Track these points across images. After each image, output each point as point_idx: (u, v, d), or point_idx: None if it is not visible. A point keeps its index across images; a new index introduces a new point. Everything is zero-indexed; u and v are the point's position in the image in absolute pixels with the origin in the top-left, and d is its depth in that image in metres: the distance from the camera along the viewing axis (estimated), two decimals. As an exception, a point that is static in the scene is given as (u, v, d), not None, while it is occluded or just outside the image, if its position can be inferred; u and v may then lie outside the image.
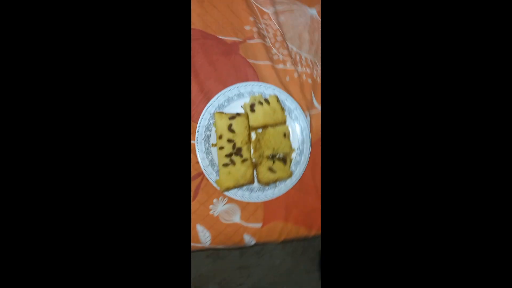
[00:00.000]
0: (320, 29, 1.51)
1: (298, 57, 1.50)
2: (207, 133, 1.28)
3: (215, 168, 1.26)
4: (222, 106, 1.31)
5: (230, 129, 1.25)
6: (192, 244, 1.26)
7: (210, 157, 1.27)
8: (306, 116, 1.44)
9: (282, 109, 1.35)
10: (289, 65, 1.46)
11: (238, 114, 1.27)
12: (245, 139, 1.26)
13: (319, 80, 1.52)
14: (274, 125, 1.33)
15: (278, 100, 1.34)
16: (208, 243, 1.27)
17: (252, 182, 1.25)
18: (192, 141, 1.27)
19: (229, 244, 1.32)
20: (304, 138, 1.40)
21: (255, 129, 1.34)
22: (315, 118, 1.47)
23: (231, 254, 1.40)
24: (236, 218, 1.30)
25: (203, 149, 1.26)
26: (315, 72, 1.53)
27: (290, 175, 1.31)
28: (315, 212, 1.36)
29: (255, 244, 1.36)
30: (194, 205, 1.25)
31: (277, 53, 1.46)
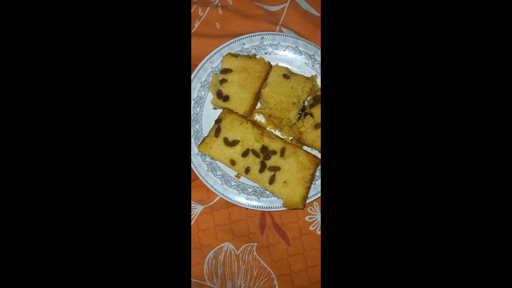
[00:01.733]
0: None
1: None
2: (219, 173, 0.87)
3: (267, 193, 0.85)
4: (194, 133, 0.89)
5: (229, 143, 0.82)
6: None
7: (250, 190, 0.86)
8: (280, 30, 0.96)
9: (250, 56, 0.89)
10: (202, 12, 0.99)
11: (219, 121, 0.84)
12: (255, 133, 0.82)
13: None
14: (263, 81, 0.87)
15: (235, 55, 0.88)
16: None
17: (318, 161, 0.82)
18: (219, 196, 0.88)
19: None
20: (306, 51, 0.92)
21: (253, 110, 0.89)
22: (290, 19, 0.98)
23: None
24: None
25: (236, 191, 0.86)
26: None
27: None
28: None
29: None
30: (296, 246, 0.86)
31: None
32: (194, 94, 0.90)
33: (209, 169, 0.87)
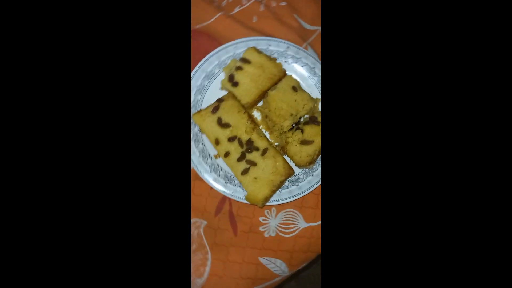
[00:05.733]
0: None
1: (251, -15, 1.07)
2: (201, 146, 0.92)
3: (236, 182, 0.90)
4: (194, 103, 0.93)
5: (222, 124, 0.87)
6: (268, 283, 0.93)
7: (221, 172, 0.91)
8: (306, 48, 1.02)
9: (271, 58, 0.94)
10: (246, 1, 1.04)
11: (220, 100, 0.89)
12: (249, 125, 0.87)
13: (294, -5, 1.08)
14: (273, 84, 0.92)
15: (258, 51, 0.93)
16: (286, 270, 0.93)
17: (291, 172, 0.88)
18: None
19: (312, 257, 0.96)
20: (320, 77, 0.98)
21: (254, 105, 0.95)
22: (318, 42, 1.04)
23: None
24: (300, 223, 0.93)
25: (208, 169, 0.90)
26: (282, -11, 1.09)
27: (332, 131, 0.91)
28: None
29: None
30: (241, 239, 0.91)
31: (222, -5, 1.05)
32: (208, 68, 0.94)
33: (192, 139, 0.91)
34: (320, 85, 0.98)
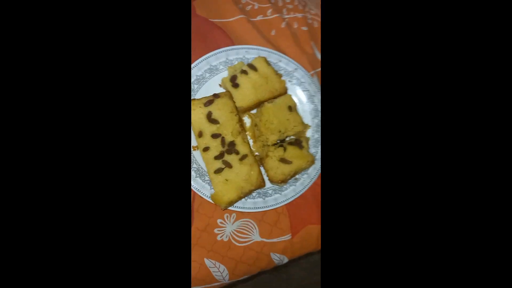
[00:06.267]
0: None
1: (281, 0, 1.10)
2: (184, 133, 0.91)
3: (206, 178, 0.90)
4: (191, 90, 0.94)
5: (210, 119, 0.87)
6: (205, 286, 0.92)
7: (194, 165, 0.91)
8: (312, 76, 1.05)
9: (277, 73, 0.97)
10: (270, 14, 1.07)
11: (216, 96, 0.89)
12: (236, 127, 0.88)
13: (317, 24, 1.12)
14: (272, 97, 0.94)
15: (268, 63, 0.95)
16: (227, 277, 0.92)
17: (262, 184, 0.89)
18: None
19: (254, 272, 0.96)
20: (317, 106, 1.01)
21: (247, 111, 0.96)
22: (325, 75, 1.08)
23: (261, 280, 1.03)
24: (255, 236, 0.94)
25: (184, 157, 0.90)
26: (309, 14, 1.13)
27: (312, 160, 0.93)
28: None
29: (289, 261, 1.00)
30: (193, 236, 0.90)
31: (250, 0, 1.07)
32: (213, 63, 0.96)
33: (179, 125, 0.90)
34: (313, 114, 1.01)
